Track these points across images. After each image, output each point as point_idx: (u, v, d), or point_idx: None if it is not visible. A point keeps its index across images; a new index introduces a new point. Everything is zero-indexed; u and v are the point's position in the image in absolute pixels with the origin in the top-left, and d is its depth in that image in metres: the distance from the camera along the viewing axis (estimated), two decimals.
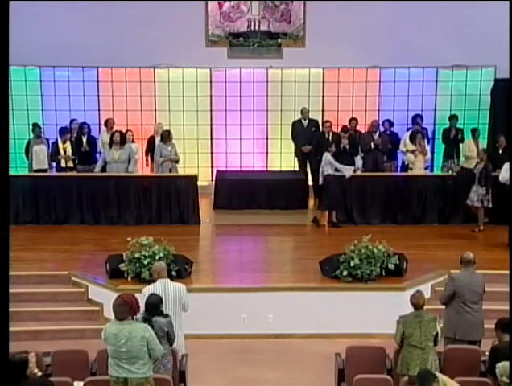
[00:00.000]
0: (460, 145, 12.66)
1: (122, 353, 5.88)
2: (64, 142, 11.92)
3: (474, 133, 12.34)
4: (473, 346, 6.88)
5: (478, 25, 12.98)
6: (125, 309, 5.93)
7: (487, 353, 6.25)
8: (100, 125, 13.27)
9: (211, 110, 13.65)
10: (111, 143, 11.52)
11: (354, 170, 11.59)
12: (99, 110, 13.48)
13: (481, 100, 13.53)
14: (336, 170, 11.29)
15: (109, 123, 12.47)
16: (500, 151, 11.56)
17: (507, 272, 9.01)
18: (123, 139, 11.53)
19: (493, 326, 6.30)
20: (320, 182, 11.45)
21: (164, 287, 6.99)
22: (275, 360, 8.06)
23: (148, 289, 6.97)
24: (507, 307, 7.90)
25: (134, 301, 6.05)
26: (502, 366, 5.54)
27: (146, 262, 8.50)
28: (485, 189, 10.69)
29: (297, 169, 13.03)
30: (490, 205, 10.77)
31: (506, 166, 10.19)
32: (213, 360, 8.02)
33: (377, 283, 8.75)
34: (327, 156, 11.28)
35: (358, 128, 12.76)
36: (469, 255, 7.34)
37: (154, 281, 7.24)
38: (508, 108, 12.59)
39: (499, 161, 10.87)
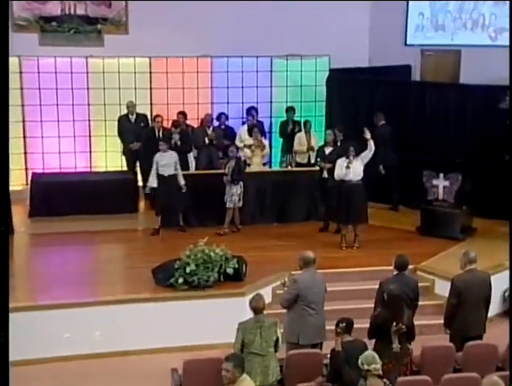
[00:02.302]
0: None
1: None
2: None
3: (305, 125, 12.86)
4: (315, 349, 7.12)
5: (312, 14, 13.60)
6: None
7: (328, 355, 6.56)
8: None
9: (22, 105, 13.15)
10: None
11: None
12: None
13: (317, 90, 14.17)
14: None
15: None
16: (338, 144, 12.04)
17: (344, 270, 9.62)
18: None
19: (333, 328, 6.60)
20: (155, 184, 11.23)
21: None
22: (107, 382, 7.92)
23: None
24: (346, 306, 8.41)
25: None
26: (364, 356, 5.81)
27: None
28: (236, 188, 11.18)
29: (125, 169, 12.94)
30: (241, 204, 11.32)
31: (340, 162, 10.50)
32: None
33: (215, 289, 8.90)
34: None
35: (191, 122, 12.91)
36: (310, 254, 7.36)
37: None
38: (341, 100, 13.27)
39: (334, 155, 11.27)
